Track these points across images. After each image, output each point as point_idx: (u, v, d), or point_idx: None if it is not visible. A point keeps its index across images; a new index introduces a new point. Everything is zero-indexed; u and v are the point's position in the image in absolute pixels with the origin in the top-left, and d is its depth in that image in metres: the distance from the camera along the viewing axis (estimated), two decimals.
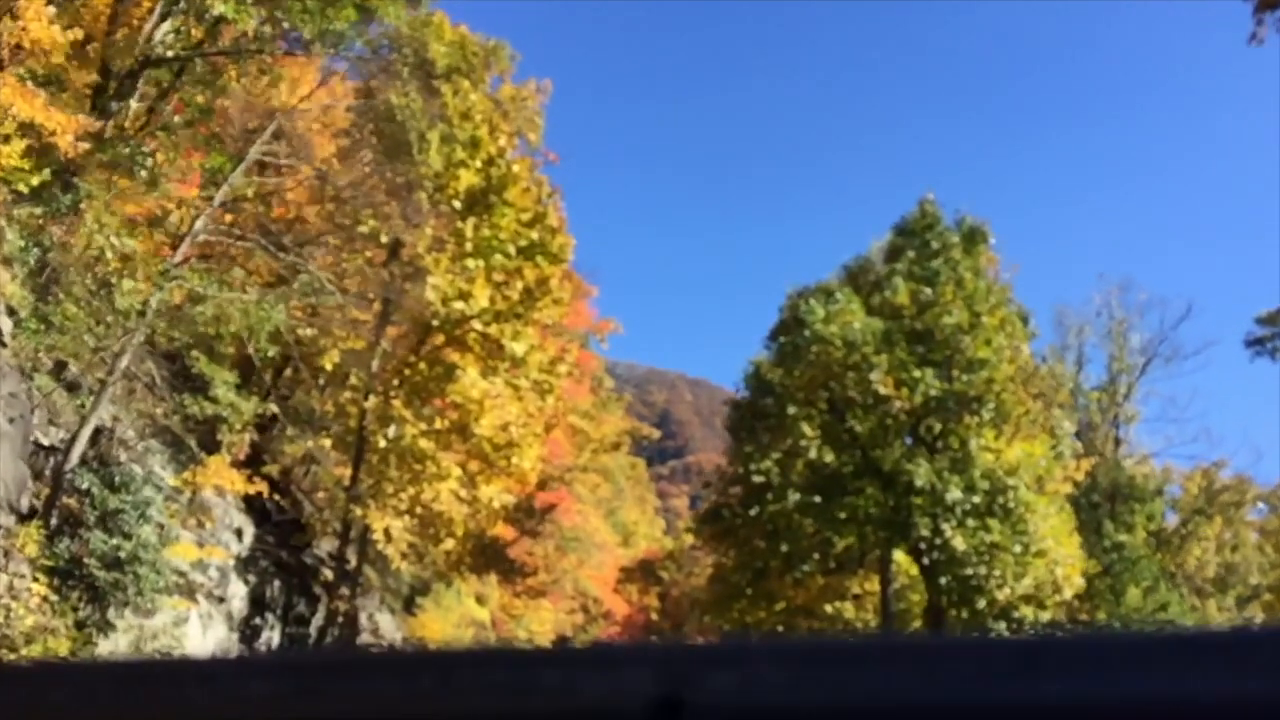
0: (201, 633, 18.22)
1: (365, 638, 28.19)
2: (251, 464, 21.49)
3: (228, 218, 19.22)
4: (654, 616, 55.88)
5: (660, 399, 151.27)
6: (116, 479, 15.10)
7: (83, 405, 15.86)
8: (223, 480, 15.96)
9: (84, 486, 14.72)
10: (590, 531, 51.02)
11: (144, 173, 14.01)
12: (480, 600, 44.21)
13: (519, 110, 24.99)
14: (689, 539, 49.29)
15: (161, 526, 15.45)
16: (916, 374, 19.72)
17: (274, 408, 17.15)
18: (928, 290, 20.58)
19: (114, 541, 14.54)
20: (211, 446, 19.00)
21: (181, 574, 18.25)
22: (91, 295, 14.02)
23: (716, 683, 0.55)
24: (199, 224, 17.27)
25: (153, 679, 0.61)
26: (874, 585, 27.61)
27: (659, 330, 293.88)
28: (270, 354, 15.51)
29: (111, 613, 15.56)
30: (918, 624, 27.50)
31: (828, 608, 27.03)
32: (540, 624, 48.70)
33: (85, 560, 14.33)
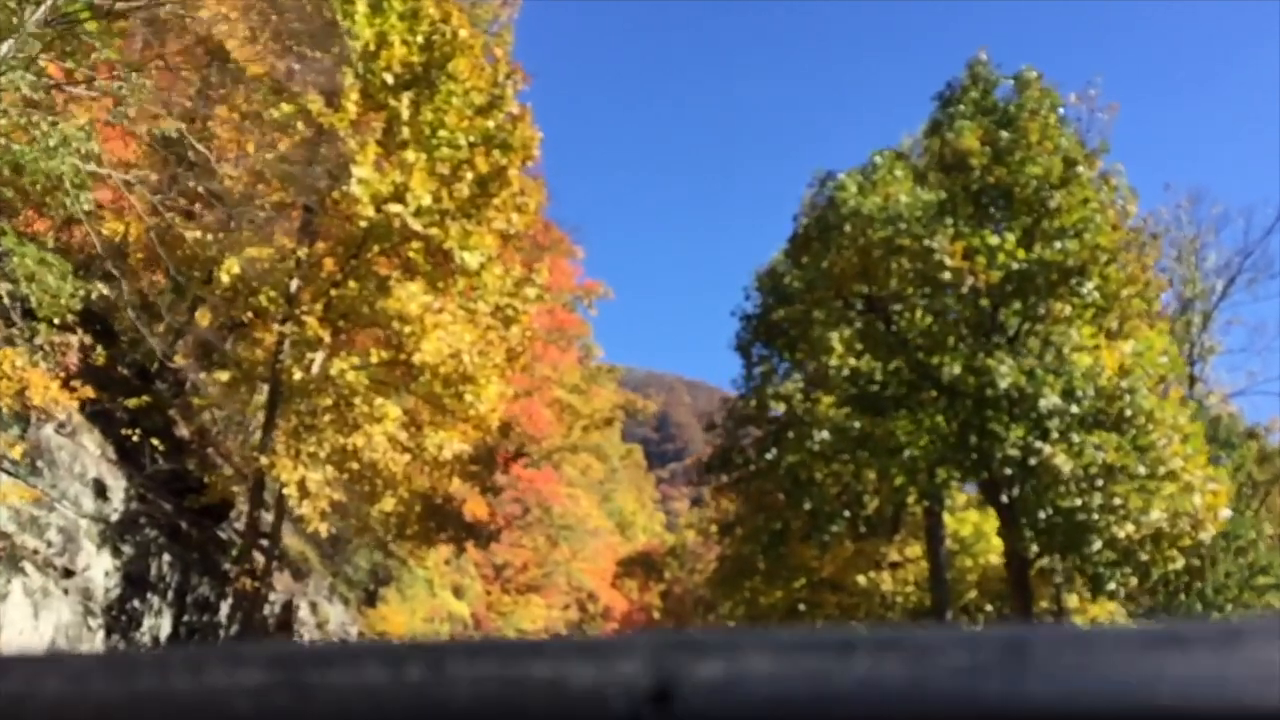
0: (32, 615, 13.42)
1: (307, 633, 23.40)
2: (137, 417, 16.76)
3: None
4: (655, 615, 51.45)
5: (658, 402, 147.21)
6: None
7: None
8: (32, 388, 11.20)
9: None
10: (582, 516, 46.21)
11: None
12: (458, 593, 39.45)
13: None
14: (691, 535, 45.39)
15: None
16: (993, 239, 14.74)
17: (102, 287, 12.34)
18: (1004, 133, 15.58)
19: None
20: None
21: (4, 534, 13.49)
22: None
23: (706, 672, 0.54)
24: (3, 48, 12.55)
25: (144, 669, 0.60)
26: (915, 550, 22.80)
27: (656, 333, 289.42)
28: (85, 206, 10.82)
29: None
30: (973, 594, 22.66)
31: (860, 579, 22.16)
32: (531, 621, 44.48)
33: None
